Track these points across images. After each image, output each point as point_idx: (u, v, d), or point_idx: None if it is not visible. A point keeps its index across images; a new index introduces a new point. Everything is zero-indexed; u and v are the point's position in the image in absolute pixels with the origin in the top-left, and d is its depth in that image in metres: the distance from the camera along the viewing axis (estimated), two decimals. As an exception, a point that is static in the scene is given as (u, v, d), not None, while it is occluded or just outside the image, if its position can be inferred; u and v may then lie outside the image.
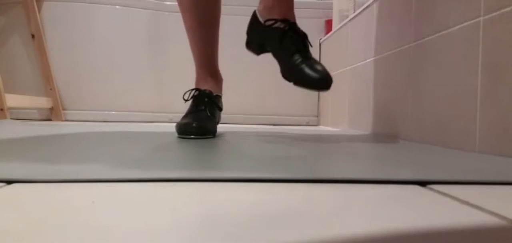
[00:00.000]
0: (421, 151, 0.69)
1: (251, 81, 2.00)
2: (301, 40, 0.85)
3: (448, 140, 0.78)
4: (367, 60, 1.26)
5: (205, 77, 1.00)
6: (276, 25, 0.86)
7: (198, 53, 1.00)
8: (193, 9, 0.97)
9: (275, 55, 0.89)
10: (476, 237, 0.24)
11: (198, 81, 1.01)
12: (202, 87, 0.98)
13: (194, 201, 0.31)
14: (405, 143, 0.88)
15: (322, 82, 0.80)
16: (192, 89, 0.98)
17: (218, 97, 1.00)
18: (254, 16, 0.93)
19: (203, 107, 0.93)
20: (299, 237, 0.23)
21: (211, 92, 0.96)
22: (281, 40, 0.85)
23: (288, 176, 0.40)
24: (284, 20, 0.86)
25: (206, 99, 0.94)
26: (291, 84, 0.85)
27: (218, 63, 1.04)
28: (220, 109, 1.00)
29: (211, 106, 0.95)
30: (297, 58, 0.83)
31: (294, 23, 0.87)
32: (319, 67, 0.81)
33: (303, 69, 0.81)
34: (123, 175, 0.39)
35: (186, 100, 0.96)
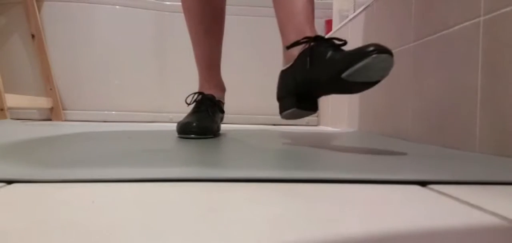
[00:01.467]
0: (421, 151, 0.69)
1: (251, 82, 1.99)
2: (332, 44, 0.68)
3: (448, 140, 0.78)
4: (367, 60, 1.26)
5: (209, 84, 1.02)
6: (299, 52, 0.71)
7: (203, 61, 1.02)
8: (200, 18, 0.98)
9: (313, 79, 0.68)
10: (476, 237, 0.24)
11: (201, 87, 1.02)
12: (206, 92, 0.99)
13: (194, 201, 0.31)
14: (405, 143, 0.88)
15: (377, 46, 0.57)
16: (195, 93, 0.98)
17: (221, 102, 1.02)
18: (280, 76, 0.80)
19: (204, 108, 0.94)
20: (299, 237, 0.23)
21: (213, 97, 0.98)
22: (311, 57, 0.68)
23: (288, 176, 0.40)
24: (303, 39, 0.71)
25: (208, 102, 0.96)
26: None
27: (220, 72, 1.05)
28: (222, 112, 1.02)
29: (213, 108, 0.96)
30: (335, 54, 0.64)
31: (317, 36, 0.70)
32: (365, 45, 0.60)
33: (347, 54, 0.61)
34: (123, 175, 0.39)
35: (188, 104, 0.97)
